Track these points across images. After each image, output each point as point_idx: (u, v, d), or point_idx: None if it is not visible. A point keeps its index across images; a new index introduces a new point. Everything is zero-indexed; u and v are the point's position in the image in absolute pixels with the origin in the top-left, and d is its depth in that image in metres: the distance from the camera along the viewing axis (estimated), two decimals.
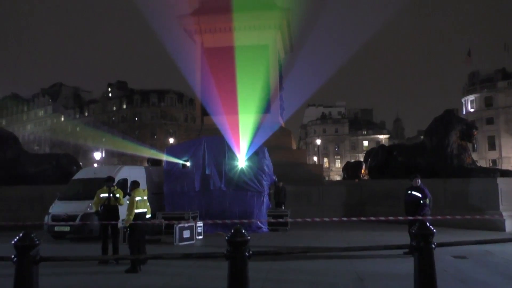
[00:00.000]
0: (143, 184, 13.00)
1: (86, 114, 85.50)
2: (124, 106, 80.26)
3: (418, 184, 9.15)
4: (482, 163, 53.35)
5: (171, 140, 63.24)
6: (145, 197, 8.64)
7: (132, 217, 8.20)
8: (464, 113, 64.94)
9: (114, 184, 9.46)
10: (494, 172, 15.32)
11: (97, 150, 58.37)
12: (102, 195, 9.13)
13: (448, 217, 10.70)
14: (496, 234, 11.50)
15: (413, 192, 9.10)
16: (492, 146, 62.07)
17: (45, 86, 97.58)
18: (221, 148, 14.23)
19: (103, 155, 64.57)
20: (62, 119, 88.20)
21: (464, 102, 67.81)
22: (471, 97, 66.15)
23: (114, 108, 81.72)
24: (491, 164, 58.59)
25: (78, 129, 78.79)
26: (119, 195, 9.16)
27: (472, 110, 65.44)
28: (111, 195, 9.05)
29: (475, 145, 57.81)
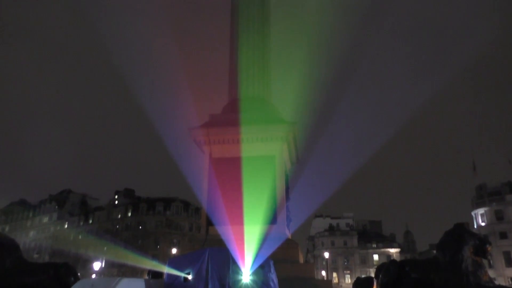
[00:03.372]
0: None
1: (91, 221, 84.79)
2: (129, 214, 79.84)
3: None
4: (501, 281, 50.51)
5: (174, 251, 61.45)
6: None
7: None
8: (475, 227, 63.47)
9: None
10: None
11: (97, 260, 56.58)
12: None
13: None
14: None
15: None
16: (509, 262, 59.36)
17: (54, 192, 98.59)
18: (225, 260, 13.66)
19: (103, 266, 62.36)
20: (66, 226, 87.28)
21: (474, 216, 66.71)
22: (481, 211, 65.24)
23: (119, 216, 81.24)
24: (510, 282, 55.45)
25: (80, 237, 77.49)
26: None
27: (483, 224, 64.06)
28: None
29: (491, 261, 55.35)
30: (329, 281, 28.93)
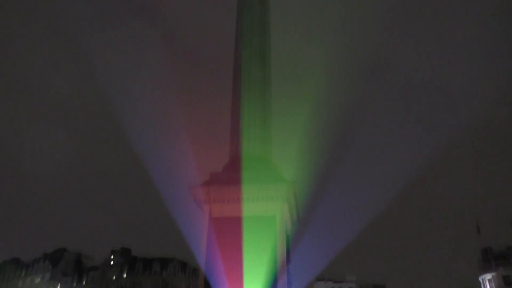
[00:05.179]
0: None
1: (84, 282, 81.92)
2: (125, 275, 77.32)
3: None
4: None
5: None
6: None
7: None
8: None
9: None
10: None
11: None
12: None
13: None
14: None
15: None
16: None
17: (49, 250, 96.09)
18: None
19: None
20: (58, 287, 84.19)
21: (482, 281, 64.59)
22: (488, 276, 63.31)
23: (114, 277, 78.61)
24: None
25: None
26: None
27: None
28: None
29: None
30: None
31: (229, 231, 18.86)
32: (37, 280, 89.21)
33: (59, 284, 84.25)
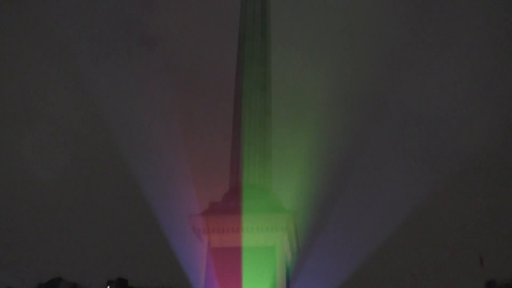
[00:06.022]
0: None
1: None
2: None
3: None
4: None
5: None
6: None
7: None
8: None
9: None
10: None
11: None
12: None
13: None
14: None
15: None
16: None
17: (44, 279, 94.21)
18: None
19: None
20: None
21: None
22: None
23: None
24: None
25: None
26: None
27: None
28: None
29: None
30: None
31: (228, 261, 18.60)
32: None
33: None
